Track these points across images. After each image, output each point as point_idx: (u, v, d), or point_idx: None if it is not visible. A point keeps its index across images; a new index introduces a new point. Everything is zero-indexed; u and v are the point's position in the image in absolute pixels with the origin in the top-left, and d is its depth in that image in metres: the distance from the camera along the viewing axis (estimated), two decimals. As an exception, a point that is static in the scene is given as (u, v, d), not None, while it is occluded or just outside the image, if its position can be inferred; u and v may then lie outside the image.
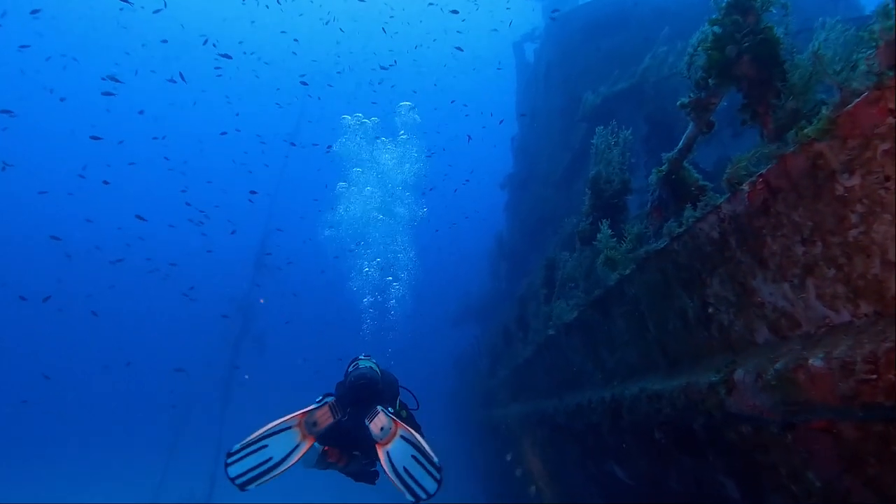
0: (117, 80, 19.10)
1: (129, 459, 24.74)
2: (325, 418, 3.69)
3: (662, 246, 3.22)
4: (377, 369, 4.31)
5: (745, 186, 2.40)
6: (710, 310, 2.93)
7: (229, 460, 3.40)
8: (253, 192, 26.99)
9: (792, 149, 2.15)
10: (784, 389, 2.28)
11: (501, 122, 23.70)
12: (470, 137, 28.73)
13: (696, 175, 3.39)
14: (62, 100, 29.07)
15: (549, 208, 13.52)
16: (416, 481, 3.44)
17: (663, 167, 3.41)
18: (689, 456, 3.68)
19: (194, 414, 22.45)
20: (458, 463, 21.74)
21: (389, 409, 3.77)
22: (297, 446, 3.57)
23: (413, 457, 3.49)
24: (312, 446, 3.66)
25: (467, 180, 32.10)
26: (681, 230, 2.98)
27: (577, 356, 5.14)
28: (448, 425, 26.76)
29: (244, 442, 3.46)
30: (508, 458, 8.12)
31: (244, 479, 3.41)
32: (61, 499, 18.40)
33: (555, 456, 6.63)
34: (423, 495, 3.42)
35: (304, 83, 25.78)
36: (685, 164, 3.33)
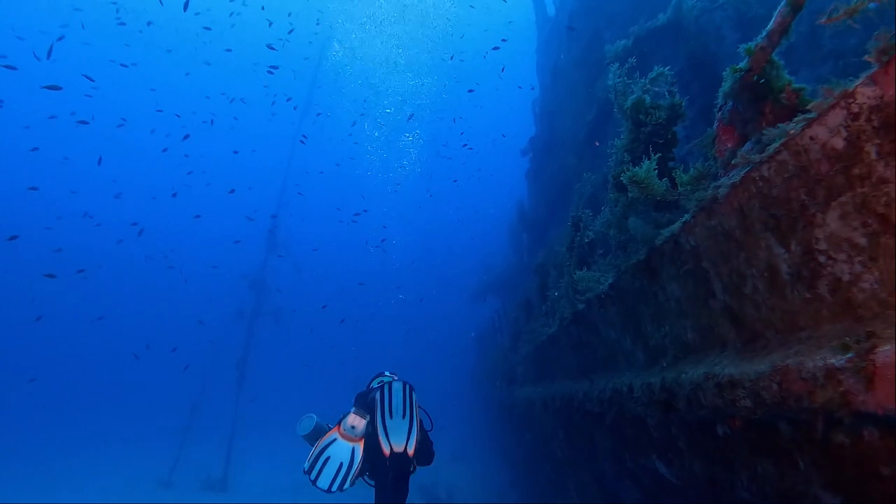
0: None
1: (145, 440, 24.92)
2: (358, 420, 3.84)
3: (742, 175, 2.28)
4: None
5: (914, 46, 1.45)
6: (821, 260, 2.00)
7: (311, 477, 3.68)
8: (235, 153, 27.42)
9: None
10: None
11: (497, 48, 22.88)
12: (471, 91, 28.04)
13: (788, 76, 2.42)
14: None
15: (572, 173, 12.49)
16: None
17: (741, 65, 2.43)
18: (767, 460, 2.80)
19: (209, 393, 22.33)
20: (480, 439, 21.27)
21: None
22: (353, 449, 3.78)
23: None
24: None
25: (504, 135, 30.98)
26: (776, 146, 2.04)
27: (611, 331, 4.24)
28: (471, 401, 26.32)
29: (309, 460, 3.74)
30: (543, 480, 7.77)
31: (334, 485, 3.69)
32: (76, 481, 18.46)
33: (582, 445, 5.80)
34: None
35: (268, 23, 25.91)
36: (775, 58, 2.35)
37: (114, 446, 24.48)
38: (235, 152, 35.89)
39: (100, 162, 22.41)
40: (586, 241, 4.97)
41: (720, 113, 2.65)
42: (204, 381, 22.67)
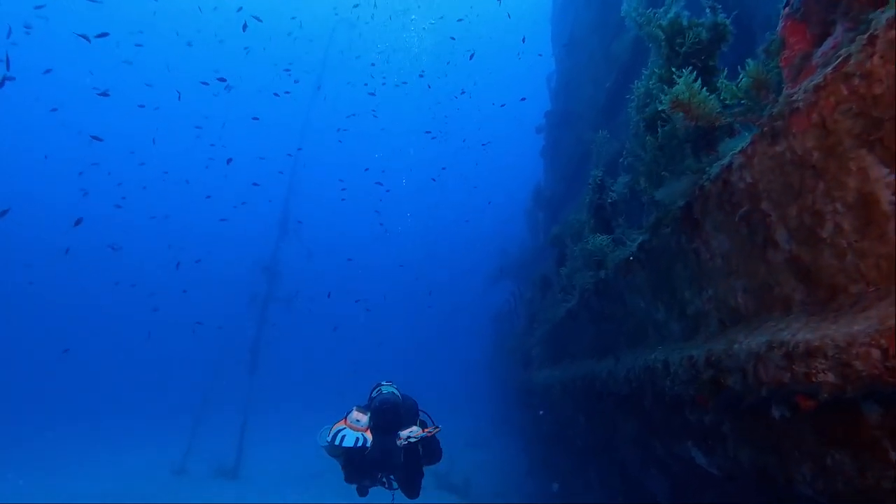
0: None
1: (159, 426, 25.06)
2: (361, 415, 4.37)
3: (827, 74, 1.70)
4: (398, 394, 4.72)
5: None
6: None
7: (336, 443, 4.16)
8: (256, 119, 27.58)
9: None
10: None
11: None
12: (471, 57, 27.46)
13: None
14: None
15: (589, 146, 11.83)
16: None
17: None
18: (843, 450, 2.25)
19: (222, 379, 22.28)
20: (498, 425, 20.91)
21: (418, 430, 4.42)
22: (360, 436, 4.23)
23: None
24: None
25: (524, 98, 30.09)
26: (888, 18, 1.46)
27: (640, 300, 3.69)
28: (488, 386, 25.97)
29: (327, 439, 4.25)
30: (555, 487, 7.68)
31: (358, 443, 4.16)
32: (89, 466, 18.54)
33: (605, 431, 5.28)
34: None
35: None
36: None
37: (128, 433, 24.70)
38: (255, 118, 35.12)
39: (91, 140, 22.14)
40: (609, 201, 4.41)
41: (788, 7, 2.06)
42: (216, 368, 22.65)
